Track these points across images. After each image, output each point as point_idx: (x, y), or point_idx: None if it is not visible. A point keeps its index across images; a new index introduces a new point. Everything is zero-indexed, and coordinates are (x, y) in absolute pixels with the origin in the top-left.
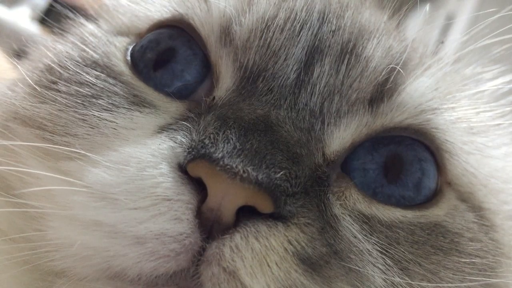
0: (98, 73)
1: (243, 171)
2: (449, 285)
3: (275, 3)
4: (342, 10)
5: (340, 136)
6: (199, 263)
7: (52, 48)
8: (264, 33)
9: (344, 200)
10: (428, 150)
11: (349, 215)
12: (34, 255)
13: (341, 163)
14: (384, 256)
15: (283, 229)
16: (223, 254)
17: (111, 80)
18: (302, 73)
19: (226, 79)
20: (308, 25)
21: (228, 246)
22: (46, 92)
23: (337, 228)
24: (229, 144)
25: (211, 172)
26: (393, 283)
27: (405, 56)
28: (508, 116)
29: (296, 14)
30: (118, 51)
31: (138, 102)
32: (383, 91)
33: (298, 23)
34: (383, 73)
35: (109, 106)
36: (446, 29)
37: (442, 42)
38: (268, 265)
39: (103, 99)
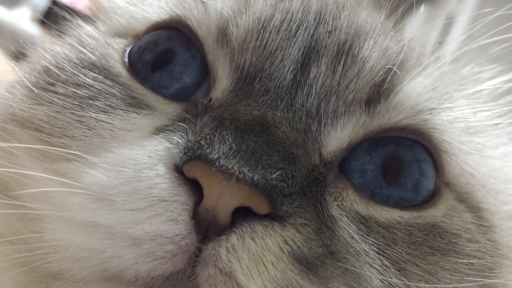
0: (96, 74)
1: (239, 172)
2: (447, 286)
3: (271, 4)
4: (339, 11)
5: (337, 137)
6: (196, 264)
7: (49, 49)
8: (261, 34)
9: (341, 201)
10: (426, 151)
11: (346, 216)
12: (31, 257)
13: (339, 164)
14: (381, 257)
15: (279, 229)
16: (219, 255)
17: (108, 82)
18: (298, 74)
19: (223, 80)
20: (304, 25)
21: (224, 247)
22: (43, 93)
23: (334, 228)
24: (225, 145)
25: (207, 173)
26: (390, 283)
27: (402, 56)
28: (506, 116)
29: (293, 14)
30: (116, 52)
31: (135, 104)
32: (379, 91)
33: (295, 23)
34: (379, 74)
35: (106, 108)
36: (446, 29)
37: (440, 43)
38: (265, 265)
39: (100, 101)
